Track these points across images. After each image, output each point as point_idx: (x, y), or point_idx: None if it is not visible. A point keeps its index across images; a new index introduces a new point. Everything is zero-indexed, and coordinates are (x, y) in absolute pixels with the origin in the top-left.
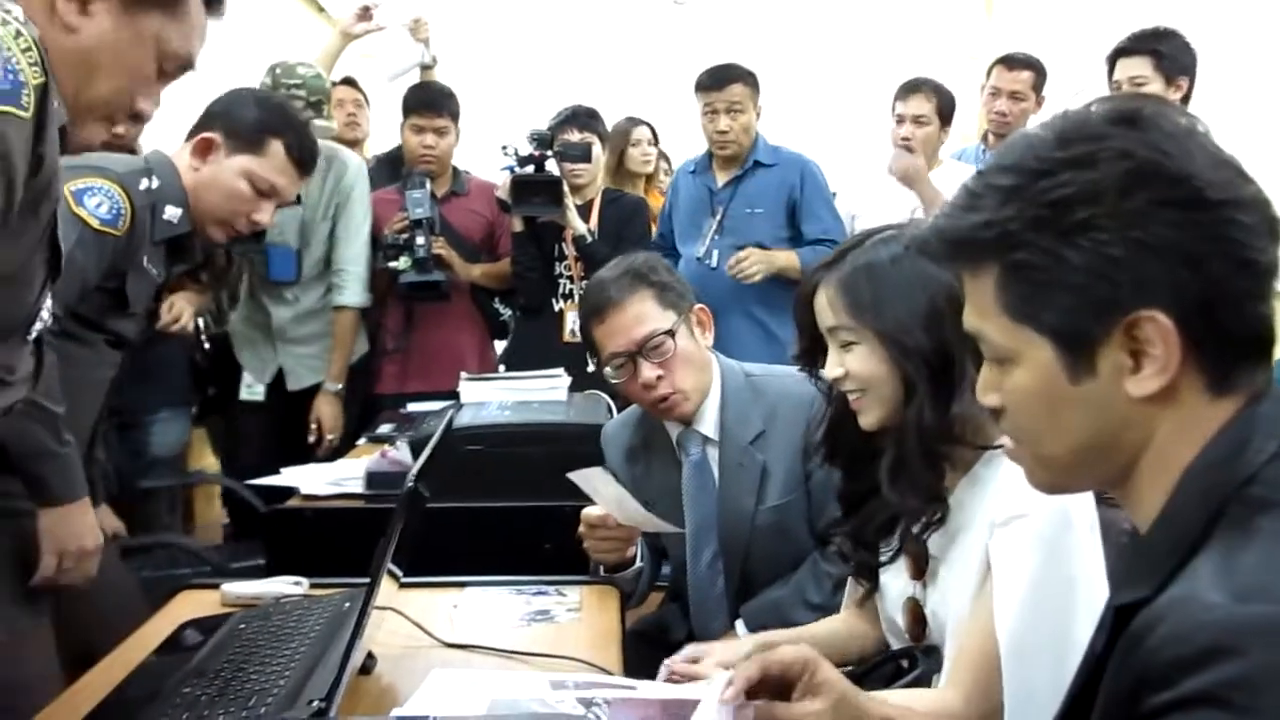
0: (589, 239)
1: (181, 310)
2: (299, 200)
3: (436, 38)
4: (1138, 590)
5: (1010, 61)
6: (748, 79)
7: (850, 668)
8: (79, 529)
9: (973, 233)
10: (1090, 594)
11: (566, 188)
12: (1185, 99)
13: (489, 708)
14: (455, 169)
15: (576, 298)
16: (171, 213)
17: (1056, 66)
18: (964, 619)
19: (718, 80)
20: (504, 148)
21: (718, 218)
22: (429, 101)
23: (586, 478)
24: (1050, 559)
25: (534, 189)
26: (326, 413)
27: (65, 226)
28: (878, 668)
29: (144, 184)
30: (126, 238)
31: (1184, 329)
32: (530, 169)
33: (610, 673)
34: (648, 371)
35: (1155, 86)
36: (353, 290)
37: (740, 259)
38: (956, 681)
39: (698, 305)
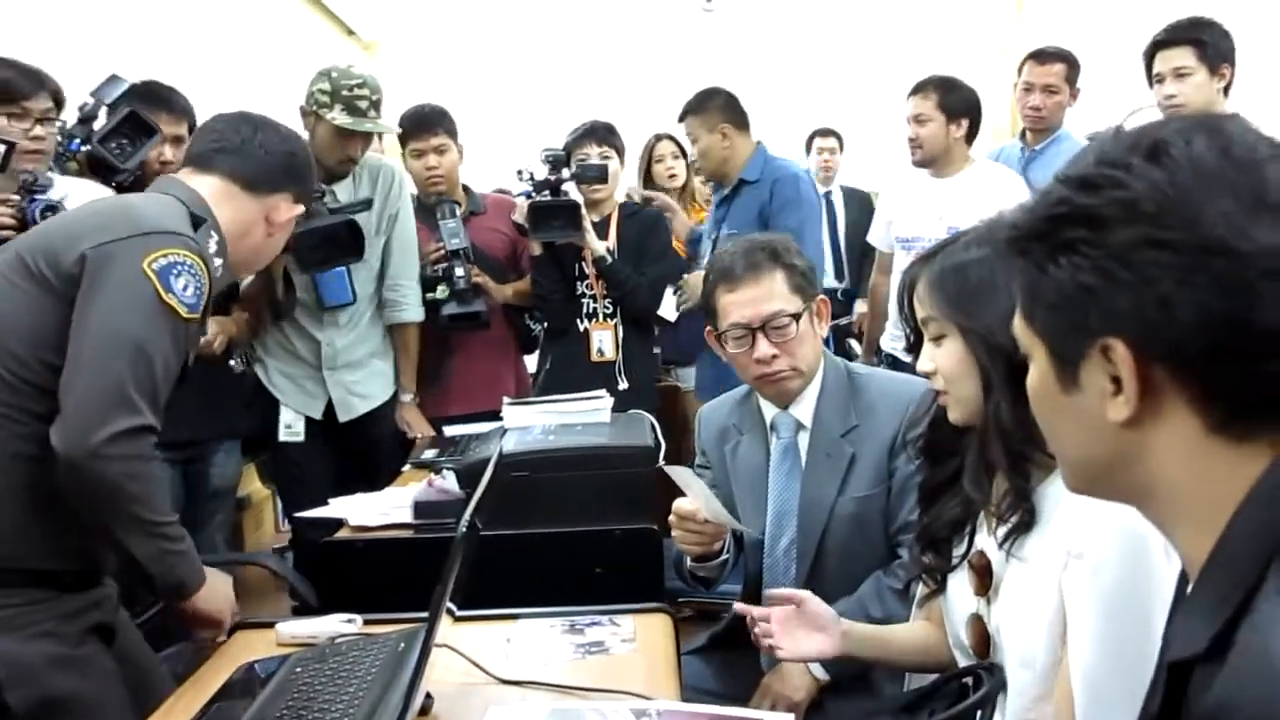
0: (609, 259)
1: (214, 334)
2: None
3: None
4: (1192, 644)
5: (1041, 55)
6: (697, 110)
7: (922, 687)
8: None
9: (1008, 230)
10: (1166, 617)
11: (584, 209)
12: (1227, 88)
13: (547, 717)
14: (468, 188)
15: (602, 316)
16: (217, 264)
17: (1089, 57)
18: (1028, 637)
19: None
20: (519, 172)
21: (713, 239)
22: (422, 123)
23: (678, 473)
24: (1127, 597)
25: (552, 214)
26: (412, 420)
27: (139, 311)
28: (942, 687)
29: (210, 245)
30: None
31: (1166, 367)
32: (546, 193)
33: None
34: (765, 348)
35: (1199, 77)
36: (414, 305)
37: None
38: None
39: (820, 295)
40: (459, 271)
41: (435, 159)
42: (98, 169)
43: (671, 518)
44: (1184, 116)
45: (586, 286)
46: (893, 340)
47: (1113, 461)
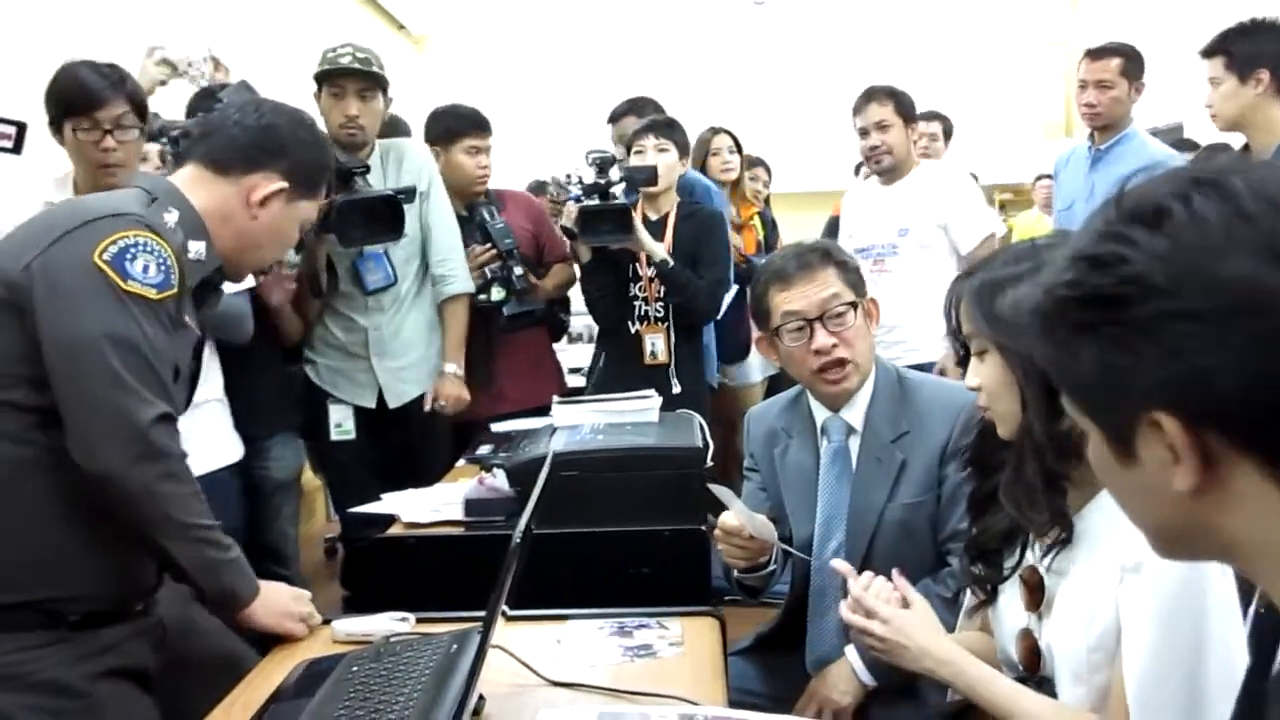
0: (670, 263)
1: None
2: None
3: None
4: None
5: (1094, 52)
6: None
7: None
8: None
9: (1028, 315)
10: (1222, 635)
11: (637, 214)
12: (1273, 91)
13: (598, 718)
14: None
15: (654, 319)
16: (196, 248)
17: (1150, 50)
18: (1081, 653)
19: None
20: (567, 176)
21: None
22: (483, 123)
23: (722, 491)
24: (1182, 611)
25: (601, 218)
26: (450, 393)
27: (102, 306)
28: None
29: (168, 219)
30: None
31: (1220, 434)
32: (595, 197)
33: None
34: (824, 337)
35: (1227, 86)
36: (462, 278)
37: None
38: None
39: (871, 297)
40: (517, 271)
41: (486, 160)
42: None
43: (717, 532)
44: (1181, 173)
45: (640, 289)
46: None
47: (1189, 528)
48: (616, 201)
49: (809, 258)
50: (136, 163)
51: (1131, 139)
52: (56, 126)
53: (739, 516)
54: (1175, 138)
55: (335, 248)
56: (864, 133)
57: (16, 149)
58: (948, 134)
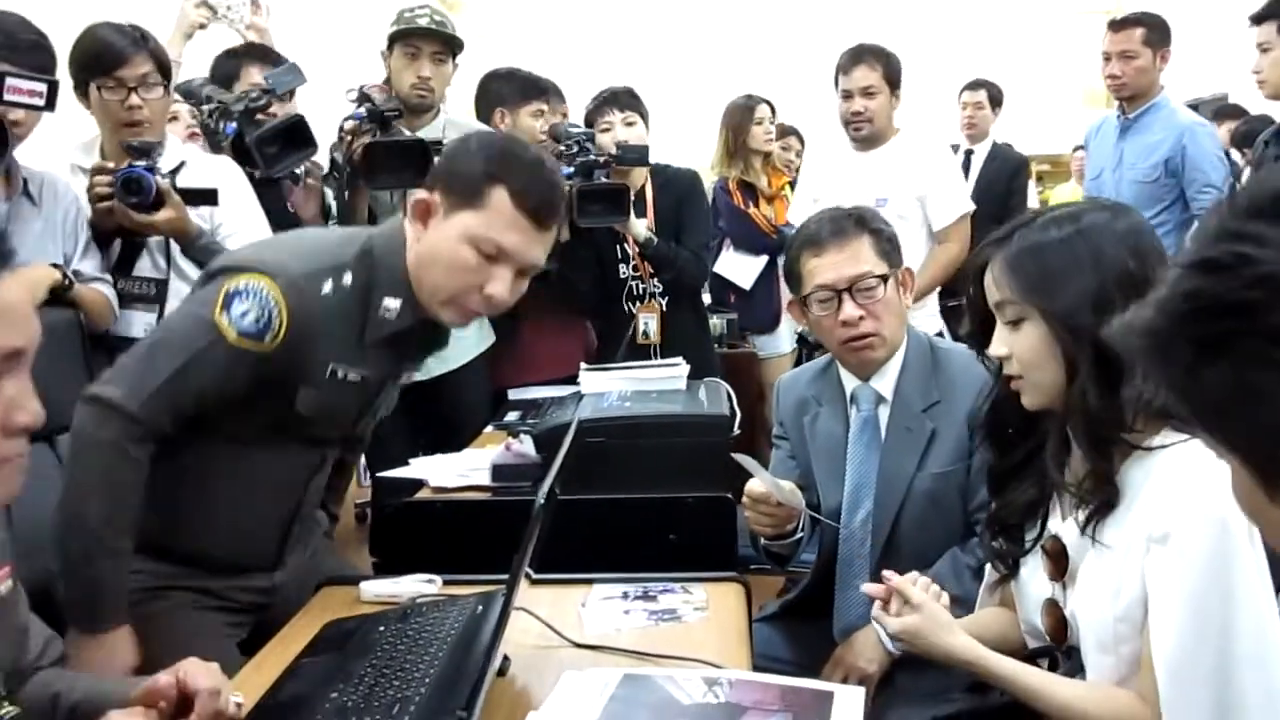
0: (654, 242)
1: None
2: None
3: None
4: None
5: (1117, 23)
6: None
7: None
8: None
9: (1139, 336)
10: (1251, 605)
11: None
12: None
13: (620, 682)
14: None
15: (649, 299)
16: (389, 305)
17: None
18: (1107, 623)
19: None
20: (558, 154)
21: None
22: (550, 89)
23: (747, 460)
24: (1210, 581)
25: (595, 199)
26: None
27: (195, 329)
28: None
29: (328, 286)
30: (284, 352)
31: None
32: (578, 178)
33: None
34: (851, 309)
35: (1278, 51)
36: None
37: None
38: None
39: (905, 266)
40: None
41: (544, 123)
42: (241, 158)
43: (744, 499)
44: None
45: (632, 269)
46: None
47: None
48: (614, 182)
49: (844, 224)
50: (163, 122)
51: (1161, 108)
52: (82, 90)
53: (765, 483)
54: (1219, 106)
55: (377, 204)
56: (847, 95)
57: (49, 106)
58: (996, 102)
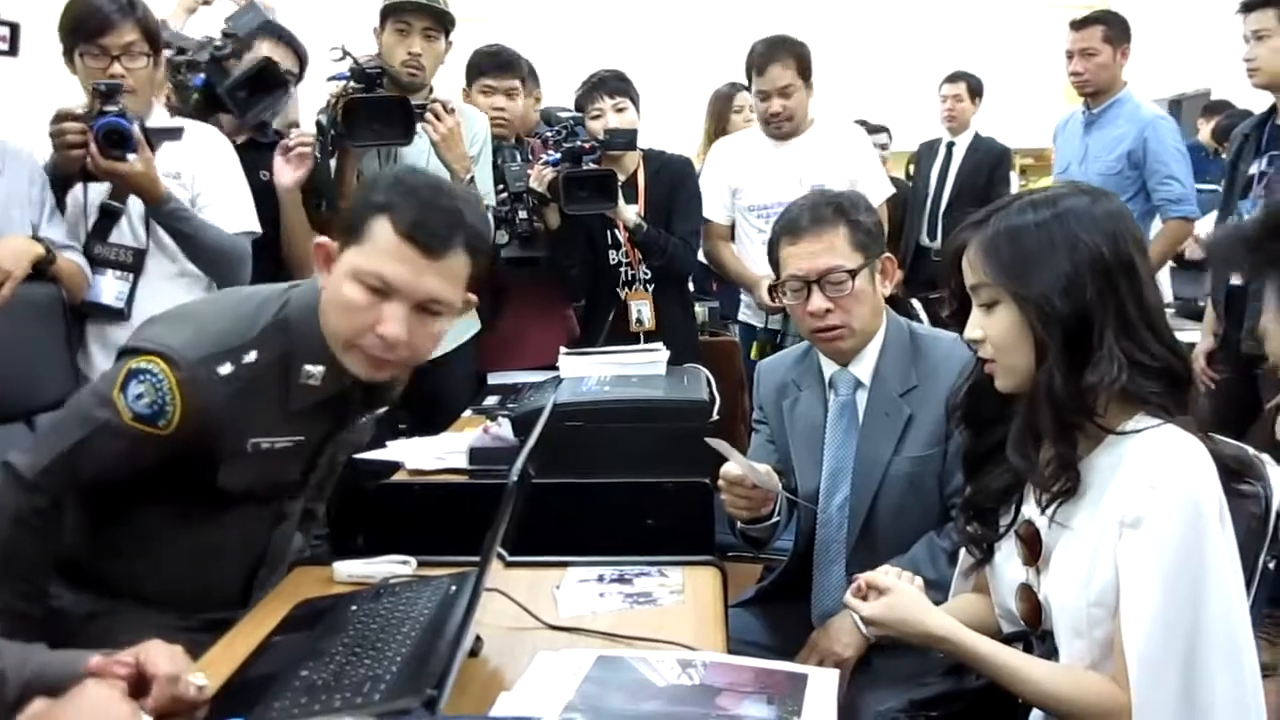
0: (644, 228)
1: None
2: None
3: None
4: None
5: (1078, 23)
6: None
7: None
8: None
9: (1241, 245)
10: (1221, 588)
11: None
12: None
13: (594, 663)
14: None
15: (640, 285)
16: (311, 372)
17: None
18: (1080, 607)
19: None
20: (544, 140)
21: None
22: (501, 63)
23: (720, 444)
24: (1182, 564)
25: (583, 184)
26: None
27: (97, 405)
28: None
29: (226, 368)
30: (186, 434)
31: None
32: (567, 164)
33: None
34: (819, 301)
35: (1277, 40)
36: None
37: None
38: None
39: (886, 255)
40: (521, 214)
41: (504, 101)
42: (214, 108)
43: (720, 482)
44: None
45: (622, 255)
46: (745, 308)
47: None
48: (602, 168)
49: (823, 212)
50: (150, 93)
51: (1124, 102)
52: (70, 57)
53: (740, 466)
54: (1208, 102)
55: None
56: (764, 96)
57: (12, 51)
58: (975, 93)
